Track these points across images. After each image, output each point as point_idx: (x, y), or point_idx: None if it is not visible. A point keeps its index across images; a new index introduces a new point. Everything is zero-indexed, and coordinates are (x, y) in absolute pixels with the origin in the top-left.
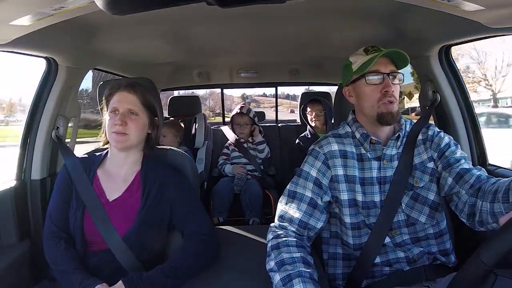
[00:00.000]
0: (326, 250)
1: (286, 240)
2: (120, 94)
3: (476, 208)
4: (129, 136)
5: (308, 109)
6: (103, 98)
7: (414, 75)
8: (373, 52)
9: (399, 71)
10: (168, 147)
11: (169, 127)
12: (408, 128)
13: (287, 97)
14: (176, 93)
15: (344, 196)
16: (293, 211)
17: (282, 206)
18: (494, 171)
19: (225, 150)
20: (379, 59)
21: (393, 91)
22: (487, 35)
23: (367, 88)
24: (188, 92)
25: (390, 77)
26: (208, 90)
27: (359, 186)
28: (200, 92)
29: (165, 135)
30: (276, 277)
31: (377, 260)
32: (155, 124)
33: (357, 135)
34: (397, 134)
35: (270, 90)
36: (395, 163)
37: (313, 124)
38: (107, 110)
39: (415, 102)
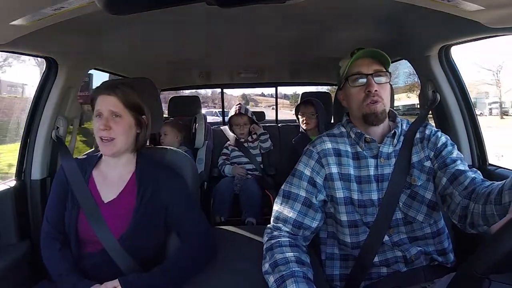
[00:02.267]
0: (324, 250)
1: (279, 240)
2: (101, 97)
3: (468, 210)
4: (116, 140)
5: (300, 112)
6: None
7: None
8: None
9: (386, 70)
10: (168, 147)
11: (172, 126)
12: (405, 127)
13: (284, 96)
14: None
15: (340, 194)
16: (288, 211)
17: (277, 207)
18: (494, 171)
19: (224, 151)
20: (362, 60)
21: (376, 91)
22: (487, 35)
23: (352, 90)
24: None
25: (375, 77)
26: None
27: (355, 184)
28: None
29: (167, 133)
30: (271, 279)
31: (375, 259)
32: (142, 123)
33: (352, 135)
34: (393, 131)
35: (268, 90)
36: (393, 161)
37: (304, 127)
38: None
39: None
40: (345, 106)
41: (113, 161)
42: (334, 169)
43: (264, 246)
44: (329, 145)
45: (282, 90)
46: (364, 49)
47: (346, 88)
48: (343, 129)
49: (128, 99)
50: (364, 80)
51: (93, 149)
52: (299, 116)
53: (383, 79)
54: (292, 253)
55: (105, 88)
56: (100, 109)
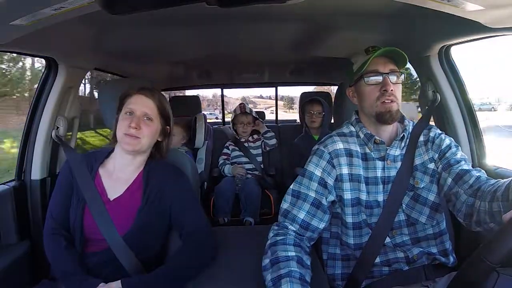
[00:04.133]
0: (326, 250)
1: (284, 238)
2: (138, 97)
3: (474, 208)
4: (141, 140)
5: (307, 109)
6: (118, 98)
7: None
8: (372, 52)
9: (400, 70)
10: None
11: (181, 127)
12: (410, 129)
13: (281, 98)
14: (191, 92)
15: (348, 195)
16: (296, 211)
17: (285, 206)
18: (494, 171)
19: (225, 150)
20: (378, 58)
21: (392, 90)
22: (487, 35)
23: (367, 88)
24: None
25: (390, 76)
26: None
27: (364, 185)
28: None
29: (175, 134)
30: (268, 277)
31: (377, 260)
32: (166, 133)
33: (361, 135)
34: (402, 135)
35: (266, 92)
36: (399, 164)
37: (309, 125)
38: (119, 111)
39: None
40: (355, 104)
41: (126, 160)
42: (345, 170)
43: (268, 242)
44: (340, 145)
45: (279, 91)
46: (378, 48)
47: (359, 86)
48: (352, 128)
49: (163, 106)
50: (380, 78)
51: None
52: (306, 115)
53: (397, 79)
54: (294, 252)
55: (144, 89)
56: (134, 108)
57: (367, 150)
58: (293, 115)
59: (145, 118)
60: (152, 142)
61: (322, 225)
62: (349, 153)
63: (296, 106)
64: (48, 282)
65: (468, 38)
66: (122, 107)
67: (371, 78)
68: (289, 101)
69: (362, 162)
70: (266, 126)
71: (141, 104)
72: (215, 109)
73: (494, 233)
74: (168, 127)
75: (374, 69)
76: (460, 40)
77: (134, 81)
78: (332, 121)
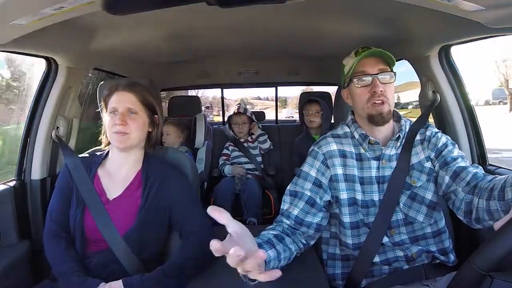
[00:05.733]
0: (326, 250)
1: (274, 227)
2: (118, 94)
3: (472, 205)
4: (130, 135)
5: (306, 109)
6: (102, 99)
7: None
8: (361, 53)
9: (391, 69)
10: (169, 147)
11: (175, 126)
12: (407, 129)
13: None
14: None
15: (344, 195)
16: (292, 209)
17: (283, 205)
18: (494, 171)
19: (225, 151)
20: (366, 59)
21: (381, 91)
22: (487, 35)
23: (357, 90)
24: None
25: (380, 76)
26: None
27: (359, 185)
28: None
29: (169, 133)
30: None
31: (376, 259)
32: (155, 123)
33: (356, 136)
34: (397, 135)
35: (264, 93)
36: (394, 163)
37: (308, 125)
38: (106, 111)
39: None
40: (350, 105)
41: (121, 158)
42: (339, 171)
43: None
44: (334, 146)
45: (273, 92)
46: (369, 48)
47: (351, 88)
48: (347, 129)
49: (145, 97)
50: (369, 79)
51: (99, 147)
52: (305, 115)
53: (388, 78)
54: (277, 232)
55: (123, 86)
56: (116, 106)
57: (362, 151)
58: (285, 113)
59: (130, 113)
60: (142, 135)
61: (316, 220)
62: (343, 154)
63: (288, 106)
64: (48, 282)
65: (468, 38)
66: (107, 108)
67: (360, 79)
68: (283, 102)
69: (356, 162)
70: (266, 126)
71: (123, 101)
72: (219, 110)
73: (485, 241)
74: (156, 116)
75: (363, 70)
76: (460, 40)
77: (132, 81)
78: (332, 121)
